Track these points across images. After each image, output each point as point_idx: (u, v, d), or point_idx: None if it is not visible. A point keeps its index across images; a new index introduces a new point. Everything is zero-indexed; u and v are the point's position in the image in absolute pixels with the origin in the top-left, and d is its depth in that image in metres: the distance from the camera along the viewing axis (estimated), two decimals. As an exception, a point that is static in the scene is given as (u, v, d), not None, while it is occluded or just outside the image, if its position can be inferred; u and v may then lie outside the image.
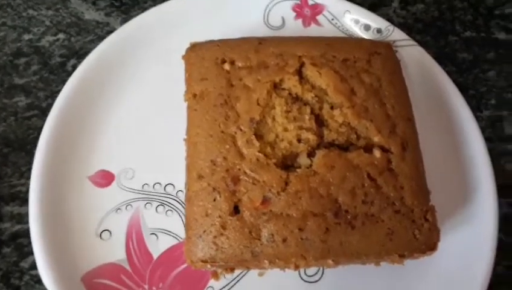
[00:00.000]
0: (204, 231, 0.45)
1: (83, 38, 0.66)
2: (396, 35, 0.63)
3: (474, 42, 0.71)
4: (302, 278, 0.52)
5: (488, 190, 0.54)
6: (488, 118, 0.65)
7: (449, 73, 0.61)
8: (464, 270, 0.51)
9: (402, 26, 0.66)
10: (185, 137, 0.50)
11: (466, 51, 0.70)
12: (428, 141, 0.55)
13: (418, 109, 0.57)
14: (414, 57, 0.62)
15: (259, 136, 0.47)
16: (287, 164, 0.47)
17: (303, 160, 0.47)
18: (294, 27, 0.64)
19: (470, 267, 0.51)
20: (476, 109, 0.64)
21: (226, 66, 0.51)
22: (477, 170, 0.55)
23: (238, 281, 0.51)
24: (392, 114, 0.49)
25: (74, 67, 0.60)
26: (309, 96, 0.49)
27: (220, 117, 0.48)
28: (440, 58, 0.63)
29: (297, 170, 0.46)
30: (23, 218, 0.54)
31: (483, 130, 0.58)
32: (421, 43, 0.63)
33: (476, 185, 0.55)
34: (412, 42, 0.63)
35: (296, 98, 0.49)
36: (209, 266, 0.45)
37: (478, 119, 0.59)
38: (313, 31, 0.64)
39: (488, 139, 0.58)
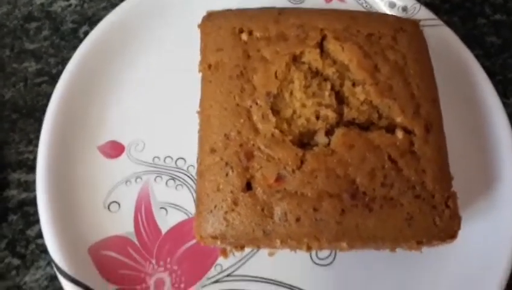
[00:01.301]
0: (215, 206, 0.43)
1: (96, 5, 0.64)
2: (423, 14, 0.60)
3: (503, 25, 0.67)
4: (313, 261, 0.50)
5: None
6: (515, 105, 0.62)
7: (476, 57, 0.59)
8: (483, 260, 0.49)
9: (429, 6, 0.62)
10: (198, 110, 0.48)
11: (495, 35, 0.67)
12: (451, 125, 0.52)
13: (442, 91, 0.55)
14: (440, 38, 0.59)
15: (275, 111, 0.45)
16: (304, 141, 0.45)
17: (321, 138, 0.44)
18: (316, 1, 0.61)
19: (490, 257, 0.49)
20: (502, 95, 0.61)
21: (244, 36, 0.48)
22: (502, 158, 0.53)
23: (247, 260, 0.50)
24: (417, 94, 0.47)
25: (86, 34, 0.58)
26: (330, 71, 0.47)
27: (236, 89, 0.46)
28: (467, 40, 0.60)
29: (314, 148, 0.44)
30: (30, 186, 0.53)
31: (509, 116, 0.55)
32: (448, 24, 0.60)
33: (499, 173, 0.53)
34: (439, 22, 0.60)
35: (316, 73, 0.47)
36: (218, 242, 0.44)
37: (505, 105, 0.56)
38: (335, 6, 0.61)
39: (514, 126, 0.55)
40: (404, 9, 0.60)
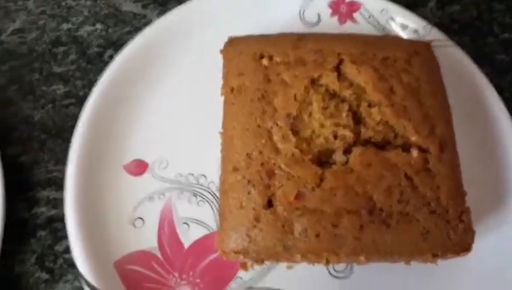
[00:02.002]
0: (238, 223, 0.45)
1: (120, 30, 0.67)
2: (434, 35, 0.62)
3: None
4: (330, 274, 0.52)
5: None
6: (524, 122, 0.63)
7: (486, 74, 0.60)
8: (496, 273, 0.50)
9: (438, 26, 0.64)
10: (221, 131, 0.51)
11: (504, 52, 0.69)
12: (463, 142, 0.54)
13: (455, 110, 0.57)
14: (451, 58, 0.60)
15: (295, 132, 0.47)
16: (323, 160, 0.47)
17: (339, 157, 0.47)
18: (330, 24, 0.64)
19: (503, 270, 0.50)
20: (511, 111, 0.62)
21: (264, 61, 0.51)
22: (512, 174, 0.55)
23: (267, 273, 0.51)
24: (431, 114, 0.49)
25: (111, 57, 0.61)
26: (347, 93, 0.49)
27: (257, 111, 0.48)
28: (477, 59, 0.62)
29: (333, 166, 0.46)
30: (59, 203, 0.56)
31: (519, 132, 0.57)
32: (459, 44, 0.62)
33: (510, 189, 0.54)
34: (450, 43, 0.62)
35: (334, 95, 0.49)
36: (241, 257, 0.46)
37: (513, 122, 0.58)
38: (348, 28, 0.63)
39: (524, 143, 0.57)
40: (416, 31, 0.62)
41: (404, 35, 0.62)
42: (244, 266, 0.51)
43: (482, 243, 0.50)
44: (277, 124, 0.47)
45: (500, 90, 0.64)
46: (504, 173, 0.55)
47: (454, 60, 0.61)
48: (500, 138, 0.57)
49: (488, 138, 0.57)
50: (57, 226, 0.55)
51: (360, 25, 0.64)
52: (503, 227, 0.53)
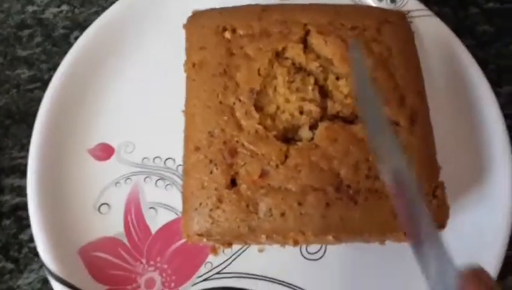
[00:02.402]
0: (200, 204, 0.43)
1: (86, 10, 0.65)
2: (412, 5, 0.59)
3: (497, 14, 0.66)
4: (303, 256, 0.50)
5: (505, 169, 0.51)
6: (509, 94, 0.61)
7: (468, 47, 0.57)
8: (475, 252, 0.48)
9: (418, -4, 0.62)
10: (183, 109, 0.49)
11: (488, 23, 0.66)
12: (443, 116, 0.53)
13: (434, 83, 0.55)
14: (430, 29, 0.58)
15: (259, 108, 0.45)
16: (288, 136, 0.45)
17: (304, 133, 0.44)
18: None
19: (483, 249, 0.48)
20: (496, 84, 0.60)
21: (227, 34, 0.48)
22: (494, 148, 0.52)
23: (237, 257, 0.50)
24: (401, 85, 0.46)
25: (77, 40, 0.59)
26: (313, 66, 0.47)
27: (219, 87, 0.46)
28: (459, 30, 0.59)
29: (298, 143, 0.44)
30: (23, 190, 0.53)
31: (502, 106, 0.54)
32: (439, 15, 0.59)
33: (492, 164, 0.52)
34: (429, 13, 0.59)
35: (300, 68, 0.47)
36: (205, 240, 0.44)
37: (498, 94, 0.55)
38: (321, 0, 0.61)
39: (507, 116, 0.54)
40: (393, 0, 0.60)
41: (381, 5, 0.59)
42: (213, 250, 0.49)
43: (460, 221, 0.48)
44: (240, 100, 0.45)
45: (485, 63, 0.61)
46: (485, 147, 0.53)
47: (433, 31, 0.58)
48: (481, 111, 0.55)
49: (468, 111, 0.55)
50: (21, 214, 0.53)
51: (334, -4, 0.61)
52: (484, 204, 0.50)
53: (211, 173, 0.44)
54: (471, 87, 0.56)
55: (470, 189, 0.51)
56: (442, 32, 0.58)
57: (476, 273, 0.29)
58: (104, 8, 0.64)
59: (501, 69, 0.63)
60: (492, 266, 0.46)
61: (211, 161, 0.44)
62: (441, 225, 0.44)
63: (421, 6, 0.59)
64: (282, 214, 0.42)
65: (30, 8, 0.65)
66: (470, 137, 0.54)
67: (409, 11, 0.58)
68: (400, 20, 0.51)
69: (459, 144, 0.53)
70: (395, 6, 0.59)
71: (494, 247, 0.47)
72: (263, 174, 0.43)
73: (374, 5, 0.59)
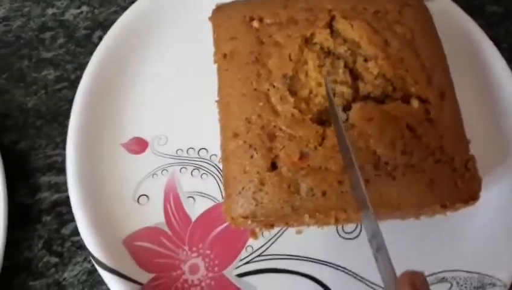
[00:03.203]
0: (243, 188, 0.45)
1: (106, 10, 0.66)
2: (424, -12, 0.61)
3: (505, -6, 0.69)
4: (340, 235, 0.52)
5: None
6: (523, 70, 0.63)
7: (479, 26, 0.60)
8: (506, 224, 0.50)
9: (429, -20, 0.64)
10: (217, 99, 0.50)
11: (496, 4, 0.68)
12: (463, 94, 0.54)
13: (451, 62, 0.56)
14: (443, 10, 0.60)
15: (293, 92, 0.47)
16: (323, 119, 0.46)
17: (339, 114, 0.46)
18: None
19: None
20: (509, 61, 0.62)
21: (255, 24, 0.50)
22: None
23: (276, 239, 0.51)
24: (428, 64, 0.48)
25: (100, 39, 0.60)
26: (342, 49, 0.48)
27: (252, 75, 0.48)
28: (469, 11, 0.61)
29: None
30: (61, 187, 0.55)
31: (518, 81, 0.56)
32: (450, -3, 0.61)
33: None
34: (441, -5, 0.61)
35: (328, 52, 0.49)
36: (249, 222, 0.45)
37: (512, 71, 0.57)
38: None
39: (523, 91, 0.56)
40: (406, -15, 0.61)
41: (395, -10, 0.61)
42: (253, 234, 0.51)
43: (489, 195, 0.50)
44: (274, 86, 0.47)
45: (496, 41, 0.63)
46: (505, 120, 0.55)
47: (447, 12, 0.60)
48: (498, 87, 0.57)
49: (486, 88, 0.57)
50: (61, 210, 0.54)
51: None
52: (508, 177, 0.53)
53: (252, 157, 0.45)
54: (488, 64, 0.58)
55: (495, 164, 0.53)
56: (455, 13, 0.61)
57: (411, 278, 0.32)
58: (123, 7, 0.65)
59: (513, 47, 0.65)
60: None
61: (250, 146, 0.45)
62: (475, 196, 0.45)
63: (434, -12, 0.61)
64: (324, 193, 0.44)
65: (50, 11, 0.66)
66: (489, 113, 0.56)
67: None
68: (419, 3, 0.53)
69: (480, 120, 0.55)
70: (409, -10, 0.61)
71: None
72: (302, 156, 0.45)
73: (391, -11, 0.60)
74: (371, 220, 0.38)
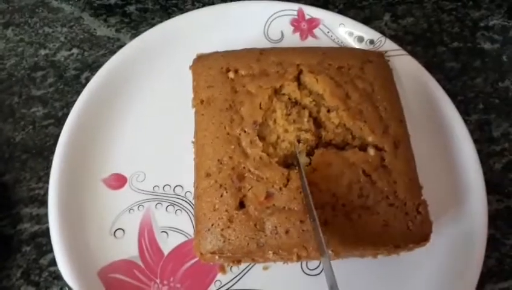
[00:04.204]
0: (213, 225, 0.48)
1: (95, 53, 0.71)
2: (388, 45, 0.67)
3: (461, 52, 0.75)
4: (304, 272, 0.55)
5: (479, 188, 0.57)
6: (476, 121, 0.69)
7: (438, 81, 0.66)
8: (456, 263, 0.54)
9: (393, 38, 0.70)
10: (193, 140, 0.54)
11: (454, 60, 0.75)
12: (420, 143, 0.58)
13: (411, 114, 0.61)
14: (405, 66, 0.66)
15: (262, 137, 0.51)
16: (288, 162, 0.51)
17: (303, 158, 0.51)
18: (293, 40, 0.69)
19: (463, 260, 0.54)
20: (464, 113, 0.67)
21: (231, 74, 0.55)
22: (468, 170, 0.59)
23: (244, 274, 0.54)
24: (385, 116, 0.53)
25: (87, 80, 0.65)
26: (307, 100, 0.53)
27: (226, 120, 0.52)
28: (430, 67, 0.67)
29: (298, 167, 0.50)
30: (42, 219, 0.58)
31: (471, 132, 0.61)
32: (412, 53, 0.67)
33: (467, 184, 0.58)
34: (403, 52, 0.67)
35: (295, 103, 0.54)
36: (217, 257, 0.49)
37: (467, 122, 0.62)
38: (309, 43, 0.68)
39: (476, 141, 0.61)
40: (372, 42, 0.68)
41: (361, 47, 0.67)
42: (222, 269, 0.54)
43: (441, 237, 0.54)
44: (245, 131, 0.51)
45: (454, 95, 0.69)
46: (459, 170, 0.60)
47: (408, 68, 0.66)
48: (453, 137, 0.62)
49: (442, 138, 0.62)
50: (41, 241, 0.57)
51: (320, 40, 0.69)
52: (462, 220, 0.56)
53: (221, 196, 0.49)
54: (444, 117, 0.63)
55: (448, 208, 0.57)
56: (415, 69, 0.66)
57: None
58: (111, 51, 0.70)
59: (468, 100, 0.71)
60: (472, 274, 0.52)
61: (221, 186, 0.49)
62: (426, 238, 0.50)
63: (396, 46, 0.68)
64: (287, 232, 0.48)
65: (43, 52, 0.71)
66: (444, 161, 0.61)
67: (386, 51, 0.66)
68: (380, 59, 0.59)
69: (435, 168, 0.59)
70: (374, 47, 0.67)
71: (473, 258, 0.53)
72: (268, 196, 0.49)
73: (356, 46, 0.67)
74: (328, 269, 0.42)
